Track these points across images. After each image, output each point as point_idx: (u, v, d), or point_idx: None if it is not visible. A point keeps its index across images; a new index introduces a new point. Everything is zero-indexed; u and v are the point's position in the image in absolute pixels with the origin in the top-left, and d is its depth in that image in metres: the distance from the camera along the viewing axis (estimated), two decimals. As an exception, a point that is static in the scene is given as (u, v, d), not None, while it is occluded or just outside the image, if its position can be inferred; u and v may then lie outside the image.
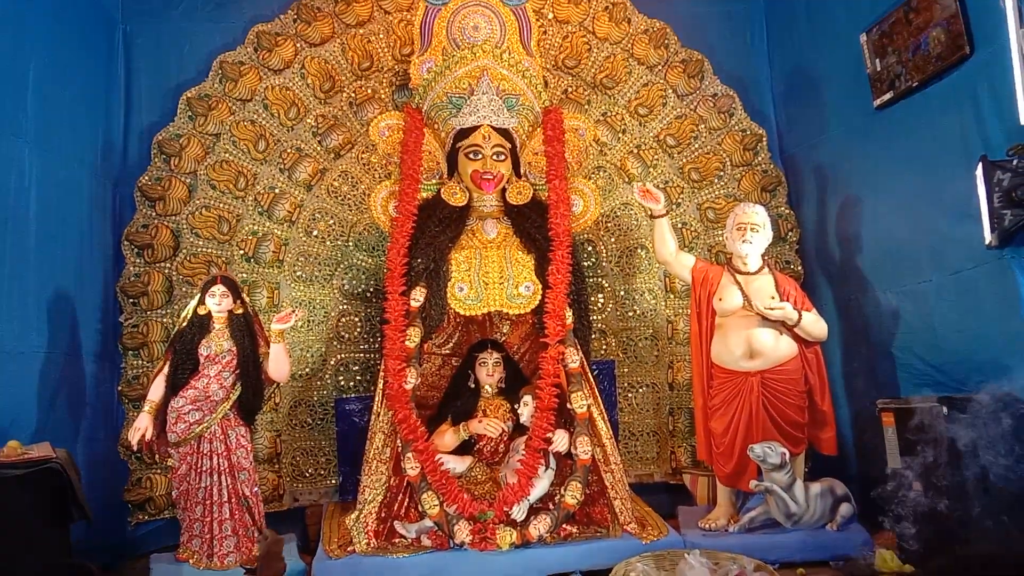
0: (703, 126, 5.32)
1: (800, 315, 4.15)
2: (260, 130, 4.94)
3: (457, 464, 4.05)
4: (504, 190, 4.54)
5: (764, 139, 5.34)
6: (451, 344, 4.75)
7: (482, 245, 4.38)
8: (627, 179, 5.26)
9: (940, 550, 3.30)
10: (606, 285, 5.22)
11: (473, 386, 4.33)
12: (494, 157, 4.44)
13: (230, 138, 4.88)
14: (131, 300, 4.65)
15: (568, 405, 4.08)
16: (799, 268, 5.18)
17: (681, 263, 4.49)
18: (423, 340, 4.22)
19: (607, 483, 4.10)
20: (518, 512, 3.85)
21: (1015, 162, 3.30)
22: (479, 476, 4.09)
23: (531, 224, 4.42)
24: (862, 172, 4.63)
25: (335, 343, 4.97)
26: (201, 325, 3.97)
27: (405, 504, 4.06)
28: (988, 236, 3.43)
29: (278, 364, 4.03)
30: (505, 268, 4.28)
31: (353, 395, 4.92)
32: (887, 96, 4.31)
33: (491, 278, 4.25)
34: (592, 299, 5.08)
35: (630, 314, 5.21)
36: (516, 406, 4.19)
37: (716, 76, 5.36)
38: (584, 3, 5.26)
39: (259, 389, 4.02)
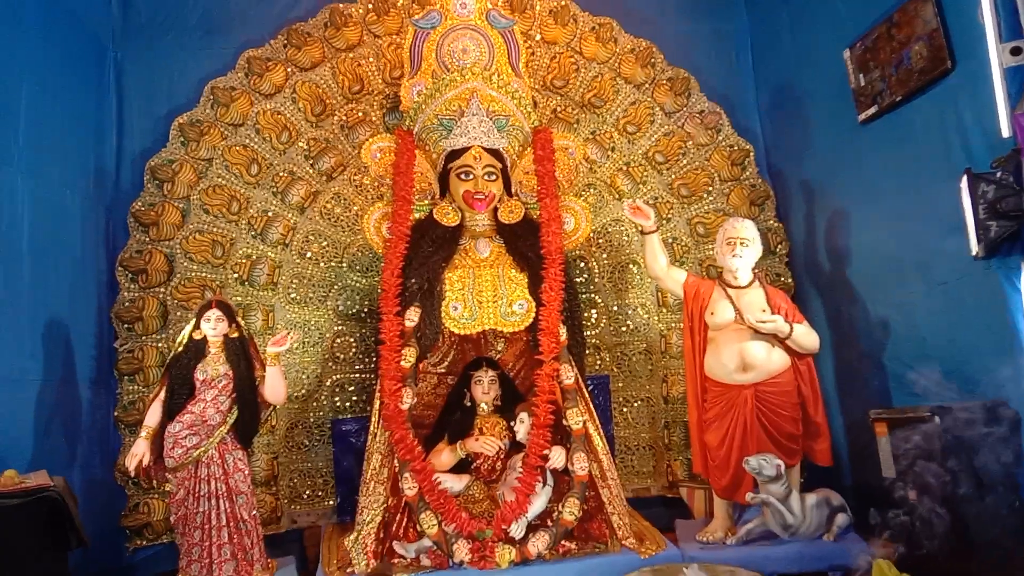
0: (691, 142, 5.38)
1: (791, 327, 4.19)
2: (252, 154, 4.97)
3: (454, 483, 4.05)
4: (496, 209, 4.57)
5: (751, 154, 5.41)
6: (446, 363, 4.77)
7: (475, 264, 4.40)
8: (617, 196, 5.31)
9: (938, 560, 3.33)
10: (599, 301, 5.26)
11: (469, 404, 4.34)
12: (485, 177, 4.48)
13: (222, 163, 4.92)
14: (126, 326, 4.66)
15: (564, 421, 4.10)
16: (789, 281, 5.23)
17: (672, 278, 4.53)
18: (418, 360, 4.23)
19: (604, 498, 4.11)
20: (516, 529, 3.85)
21: (999, 174, 3.35)
22: (477, 494, 4.09)
23: (523, 242, 4.46)
24: (849, 185, 4.70)
25: (330, 364, 4.99)
26: (197, 350, 3.98)
27: (404, 524, 4.05)
28: (974, 247, 3.48)
29: (274, 387, 4.03)
30: (499, 286, 4.31)
31: (349, 416, 4.93)
32: (871, 111, 4.37)
33: (485, 297, 4.27)
34: (585, 315, 5.12)
35: (623, 329, 5.25)
36: (512, 424, 4.20)
37: (703, 93, 5.45)
38: (571, 24, 5.35)
39: (256, 412, 4.02)
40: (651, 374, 5.21)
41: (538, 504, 3.96)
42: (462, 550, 3.79)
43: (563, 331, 4.25)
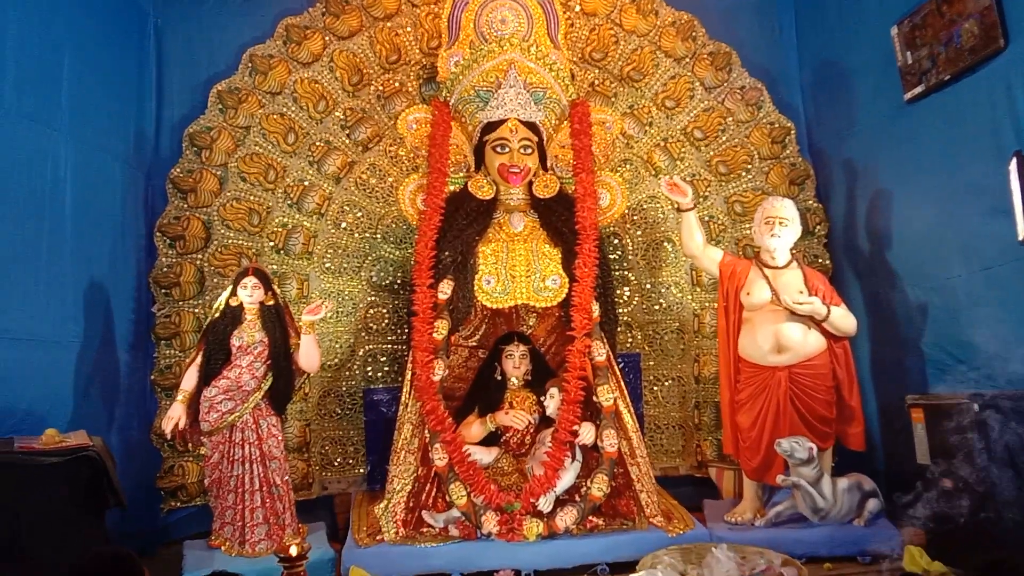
0: (731, 119, 5.29)
1: (829, 309, 4.14)
2: (289, 123, 4.98)
3: (484, 455, 4.08)
4: (531, 183, 4.55)
5: (792, 132, 5.31)
6: (478, 336, 4.78)
7: (509, 238, 4.40)
8: (654, 172, 5.25)
9: (972, 548, 3.29)
10: (632, 278, 5.22)
11: (500, 378, 4.36)
12: (521, 150, 4.45)
13: (260, 131, 4.93)
14: (163, 291, 4.72)
15: (594, 398, 4.10)
16: (827, 262, 5.15)
17: (709, 257, 4.49)
18: (450, 332, 4.25)
19: (633, 476, 4.12)
20: (544, 503, 3.88)
21: (1050, 157, 3.27)
22: (506, 467, 4.12)
23: (558, 217, 4.44)
24: (892, 166, 4.60)
25: (363, 334, 5.02)
26: (233, 316, 4.03)
27: (433, 494, 4.11)
28: (1021, 232, 3.40)
29: (308, 355, 4.07)
30: (532, 261, 4.30)
31: (381, 386, 4.96)
32: (918, 89, 4.27)
33: (518, 271, 4.27)
34: (618, 292, 5.09)
35: (656, 307, 5.21)
36: (542, 398, 4.22)
37: (744, 68, 5.33)
38: (612, -5, 5.26)
39: (290, 379, 4.07)
40: (683, 353, 5.17)
41: (566, 479, 3.97)
42: (490, 522, 3.82)
43: (595, 308, 4.23)
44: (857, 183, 4.94)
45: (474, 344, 4.78)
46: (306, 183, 4.99)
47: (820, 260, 5.14)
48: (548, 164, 4.67)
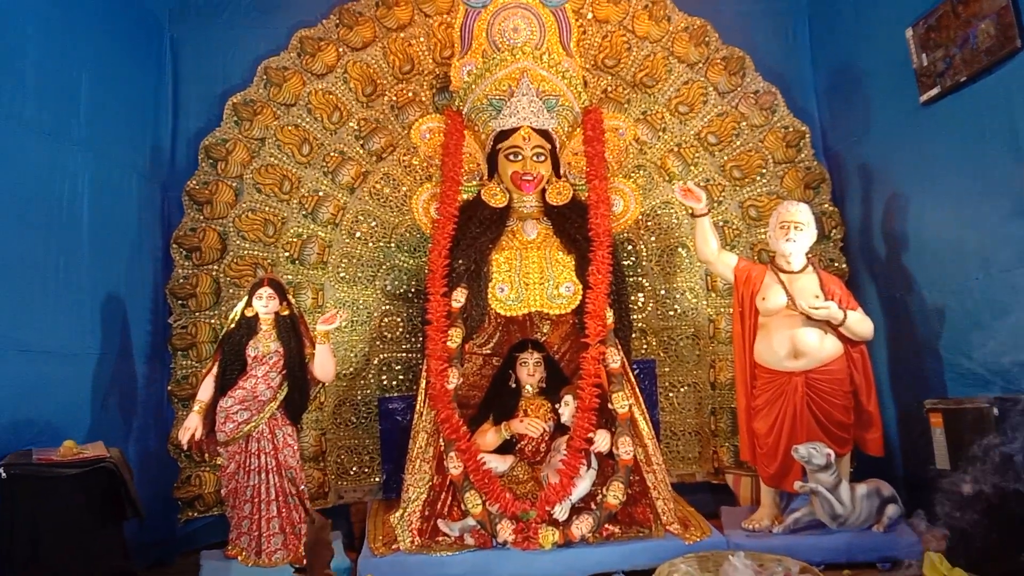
0: (745, 123, 5.27)
1: (845, 314, 4.10)
2: (304, 134, 5.02)
3: (499, 463, 4.07)
4: (544, 191, 4.55)
5: (807, 136, 5.28)
6: (492, 344, 4.78)
7: (522, 246, 4.40)
8: (668, 178, 5.24)
9: (992, 555, 3.25)
10: (647, 284, 5.20)
11: (514, 386, 4.34)
12: (534, 158, 4.46)
13: (275, 142, 4.97)
14: (180, 302, 4.76)
15: (609, 405, 4.08)
16: (843, 266, 5.11)
17: (723, 262, 4.46)
18: (464, 340, 4.26)
19: (649, 483, 4.09)
20: (560, 512, 3.86)
21: (1068, 158, 3.23)
22: (521, 475, 4.11)
23: (571, 224, 4.43)
24: (908, 169, 4.56)
25: (378, 343, 5.03)
26: (249, 326, 4.05)
27: (448, 503, 4.09)
28: (1040, 234, 3.37)
29: (323, 364, 4.09)
30: (545, 268, 4.29)
31: (396, 394, 4.97)
32: (934, 91, 4.23)
33: (532, 279, 4.27)
34: (633, 298, 5.08)
35: (671, 313, 5.19)
36: (557, 406, 4.20)
37: (758, 73, 5.32)
38: (623, 2, 5.27)
39: (305, 389, 4.09)
40: (698, 359, 5.15)
41: (582, 487, 3.95)
42: (506, 530, 3.81)
43: (610, 314, 4.22)
44: (873, 186, 4.90)
45: (488, 352, 4.77)
46: (321, 193, 5.02)
47: (836, 264, 5.10)
48: (561, 171, 4.67)
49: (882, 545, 3.91)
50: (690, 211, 4.52)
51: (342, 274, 5.02)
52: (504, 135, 4.50)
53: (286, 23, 5.16)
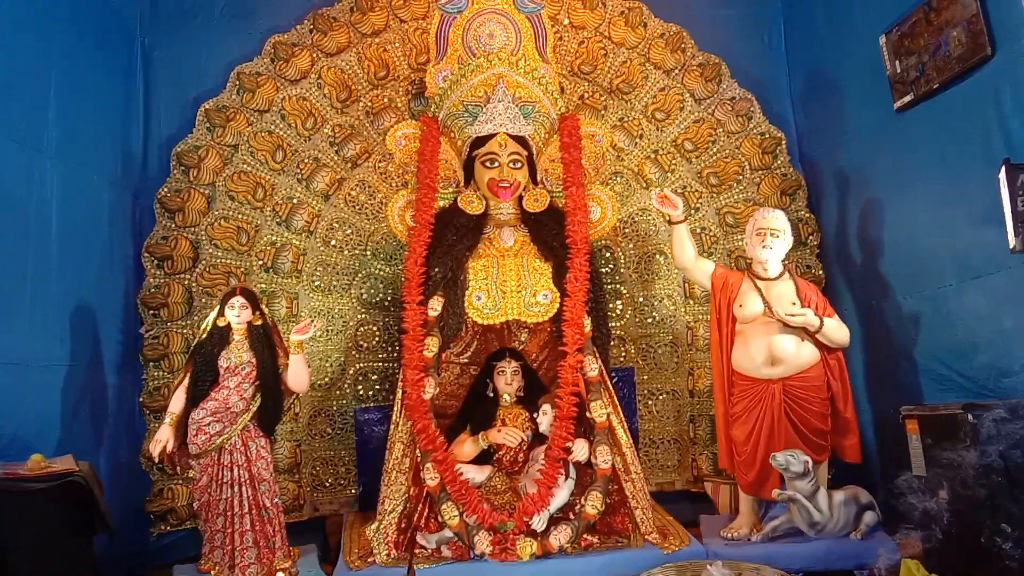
0: (721, 130, 5.28)
1: (822, 321, 4.10)
2: (278, 140, 4.96)
3: (476, 474, 4.03)
4: (521, 198, 4.53)
5: (783, 142, 5.30)
6: (469, 353, 4.74)
7: (499, 253, 4.37)
8: (645, 184, 5.23)
9: (969, 561, 3.25)
10: (624, 291, 5.19)
11: (492, 395, 4.31)
12: (510, 165, 4.43)
13: (248, 149, 4.91)
14: (151, 311, 4.68)
15: (587, 414, 4.06)
16: (820, 273, 5.13)
17: (700, 269, 4.45)
18: (441, 349, 4.22)
19: (628, 492, 4.07)
20: (538, 522, 3.82)
21: (1040, 165, 3.25)
22: (499, 486, 4.07)
23: (548, 232, 4.41)
24: (883, 175, 4.58)
25: (354, 352, 4.98)
26: (221, 337, 3.99)
27: (425, 514, 4.04)
28: (1012, 240, 3.38)
29: (297, 375, 4.03)
30: (523, 276, 4.27)
31: (372, 405, 4.92)
32: (908, 98, 4.25)
33: (509, 286, 4.24)
34: (611, 306, 5.06)
35: (649, 320, 5.18)
36: (535, 415, 4.17)
37: (734, 80, 5.33)
38: (600, 8, 5.26)
39: (278, 400, 4.02)
40: (677, 367, 5.14)
41: (560, 497, 3.92)
42: (483, 542, 3.77)
43: (587, 322, 4.20)
44: (849, 193, 4.92)
45: (465, 361, 4.73)
46: (295, 201, 4.97)
47: (813, 271, 5.12)
48: (538, 178, 4.65)
49: (860, 552, 3.91)
50: (667, 218, 4.51)
51: (317, 283, 4.96)
52: (480, 142, 4.48)
53: (260, 28, 5.10)
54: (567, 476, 3.96)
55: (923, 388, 4.24)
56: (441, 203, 4.51)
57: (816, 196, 5.28)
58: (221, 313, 4.01)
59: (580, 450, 3.97)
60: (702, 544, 4.05)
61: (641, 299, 5.18)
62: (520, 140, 4.49)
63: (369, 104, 5.13)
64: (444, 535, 3.88)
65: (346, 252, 5.02)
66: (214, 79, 5.02)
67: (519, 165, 4.47)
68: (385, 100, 5.15)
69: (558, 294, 4.21)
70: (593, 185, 4.72)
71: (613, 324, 5.03)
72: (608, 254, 5.19)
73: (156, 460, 3.97)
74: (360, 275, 5.03)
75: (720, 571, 3.39)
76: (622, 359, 5.13)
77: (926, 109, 4.17)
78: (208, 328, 4.03)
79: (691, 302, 5.17)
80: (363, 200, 5.06)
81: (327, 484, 4.85)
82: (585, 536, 3.93)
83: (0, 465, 3.34)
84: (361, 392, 4.96)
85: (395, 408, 4.20)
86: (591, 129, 4.75)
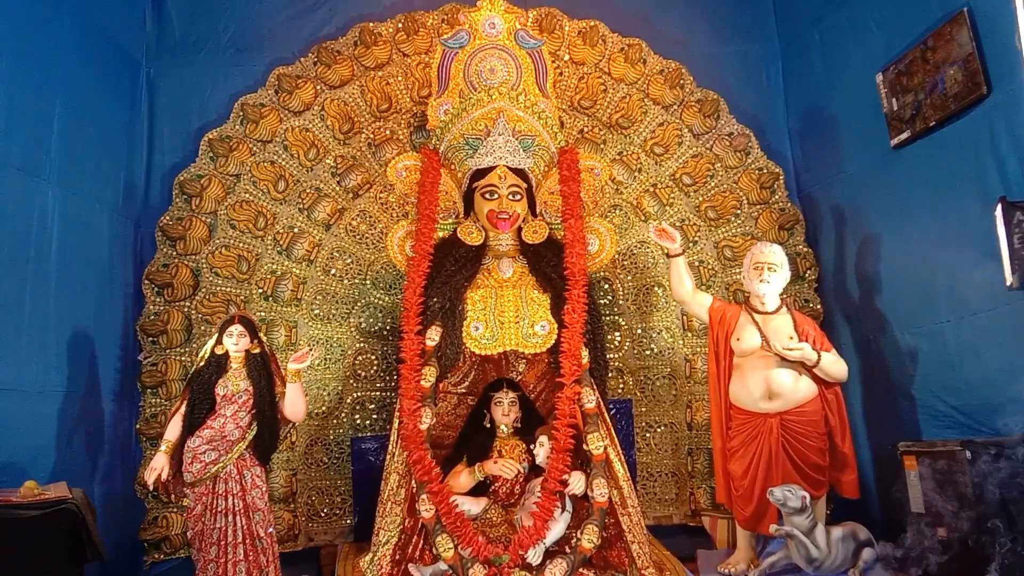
0: (719, 164, 5.33)
1: (819, 355, 4.10)
2: (280, 171, 5.01)
3: (472, 506, 4.00)
4: (520, 229, 4.55)
5: (781, 177, 5.34)
6: (467, 383, 4.73)
7: (498, 284, 4.38)
8: (643, 217, 5.26)
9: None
10: (623, 323, 5.20)
11: (489, 426, 4.29)
12: (510, 197, 4.46)
13: (250, 178, 4.96)
14: (150, 338, 4.69)
15: (584, 446, 4.04)
16: (818, 307, 5.14)
17: (698, 302, 4.47)
18: (439, 379, 4.21)
19: (624, 526, 4.03)
20: (534, 556, 3.78)
21: (1035, 203, 3.28)
22: (494, 518, 4.04)
23: (547, 263, 4.43)
24: (880, 211, 4.61)
25: (352, 381, 4.97)
26: (218, 365, 3.98)
27: (420, 546, 4.01)
28: (1009, 277, 3.40)
29: (294, 404, 4.02)
30: (521, 307, 4.28)
31: (369, 434, 4.91)
32: (904, 135, 4.30)
33: (507, 317, 4.25)
34: (609, 337, 5.06)
35: (647, 353, 5.18)
36: (532, 446, 4.15)
37: (732, 115, 5.39)
38: (600, 45, 5.34)
39: (275, 429, 4.01)
40: (675, 399, 5.13)
41: (556, 530, 3.88)
42: (478, 575, 3.73)
43: (585, 354, 4.19)
44: (846, 228, 4.95)
45: (463, 391, 4.72)
46: (296, 230, 5.00)
47: (811, 305, 5.13)
48: (537, 210, 4.68)
49: (858, 589, 3.88)
50: (665, 251, 4.53)
51: (316, 311, 4.98)
52: (480, 174, 4.51)
53: (264, 60, 5.19)
54: (563, 509, 3.93)
55: (921, 424, 4.23)
56: (441, 234, 4.53)
57: (814, 231, 5.30)
58: (219, 341, 4.01)
59: (577, 483, 3.95)
60: (699, 579, 4.02)
61: (639, 331, 5.19)
62: (520, 173, 4.53)
63: (371, 136, 5.18)
64: (439, 567, 3.84)
65: (346, 281, 5.04)
66: (218, 110, 5.09)
67: (518, 197, 4.50)
68: (387, 132, 5.21)
69: (556, 325, 4.21)
70: (592, 218, 4.74)
71: (611, 356, 5.03)
72: (607, 286, 5.21)
73: (151, 488, 3.94)
74: (359, 304, 5.04)
75: (716, 607, 3.36)
76: (620, 391, 5.12)
77: (923, 146, 4.21)
78: (206, 356, 4.03)
79: (689, 335, 5.17)
80: (363, 230, 5.09)
81: (323, 514, 4.82)
82: (581, 570, 3.87)
83: (-6, 491, 3.34)
84: (358, 421, 4.95)
85: (391, 438, 4.19)
86: (590, 162, 4.79)
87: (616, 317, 5.19)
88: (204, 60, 5.21)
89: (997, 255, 3.44)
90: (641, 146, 5.33)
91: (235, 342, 3.98)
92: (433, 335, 4.18)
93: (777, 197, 5.32)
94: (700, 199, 5.31)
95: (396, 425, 4.14)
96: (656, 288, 5.20)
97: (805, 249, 5.25)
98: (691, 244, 5.20)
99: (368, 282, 5.06)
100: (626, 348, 5.18)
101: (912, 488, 3.80)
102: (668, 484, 5.08)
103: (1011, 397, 3.55)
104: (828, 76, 5.15)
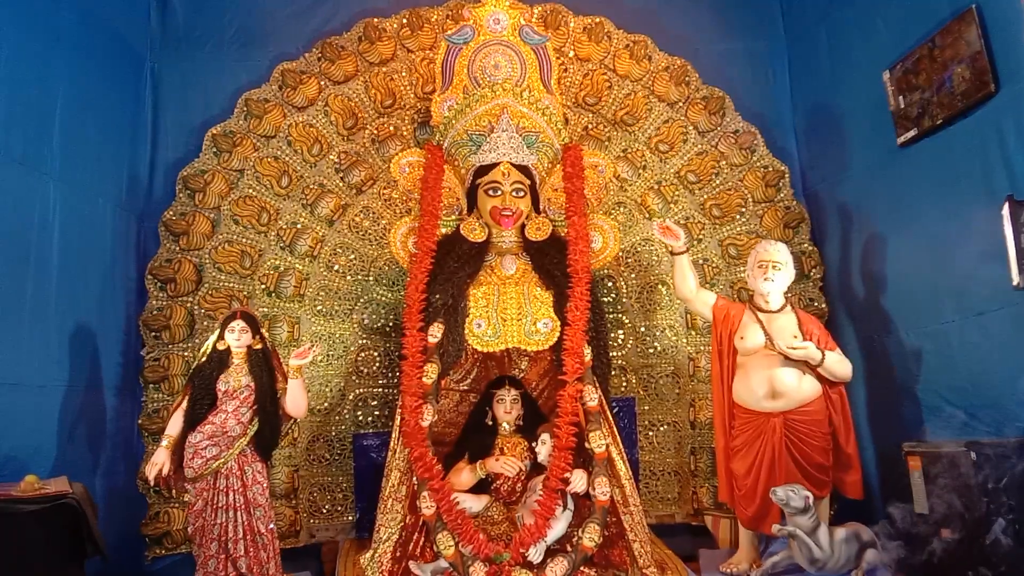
0: (724, 162, 5.30)
1: (824, 354, 4.07)
2: (283, 166, 5.00)
3: (473, 503, 3.99)
4: (523, 226, 4.54)
5: (786, 175, 5.31)
6: (469, 380, 4.72)
7: (500, 281, 4.37)
8: (648, 215, 5.24)
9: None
10: (626, 321, 5.18)
11: (491, 423, 4.28)
12: (513, 193, 4.45)
13: (254, 174, 4.95)
14: (153, 334, 4.69)
15: (586, 444, 4.02)
16: (823, 306, 5.11)
17: (702, 300, 4.44)
18: (440, 376, 4.19)
19: (626, 525, 4.01)
20: (535, 554, 3.76)
21: (1042, 202, 3.25)
22: (496, 516, 4.02)
23: (550, 260, 4.41)
24: (886, 209, 4.58)
25: (354, 378, 4.96)
26: (220, 360, 3.97)
27: (420, 543, 3.99)
28: (1015, 277, 3.37)
29: (295, 400, 4.02)
30: (523, 304, 4.26)
31: (371, 431, 4.90)
32: (911, 133, 4.26)
33: (509, 314, 4.23)
34: (612, 335, 5.04)
35: (651, 351, 5.16)
36: (534, 444, 4.14)
37: (737, 113, 5.36)
38: (605, 42, 5.31)
39: (276, 425, 4.00)
40: (678, 398, 5.11)
41: (558, 528, 3.87)
42: (478, 573, 3.70)
43: (588, 351, 4.18)
44: (852, 227, 4.92)
45: (465, 388, 4.71)
46: (299, 226, 4.99)
47: (816, 304, 5.10)
48: (541, 207, 4.66)
49: (861, 590, 3.85)
50: (669, 249, 4.50)
51: (319, 307, 4.97)
52: (484, 170, 4.50)
53: (268, 56, 5.18)
54: (565, 507, 3.91)
55: (926, 424, 4.19)
56: (443, 230, 4.52)
57: (819, 229, 5.27)
58: (221, 336, 4.01)
59: (578, 481, 3.93)
60: (700, 579, 4.00)
61: (643, 329, 5.17)
62: (523, 169, 4.51)
63: (375, 132, 5.17)
64: (439, 565, 3.83)
65: (349, 277, 5.03)
66: (222, 105, 5.09)
67: (522, 194, 4.48)
68: (391, 128, 5.19)
69: (559, 323, 4.19)
70: (595, 215, 4.72)
71: (615, 354, 5.02)
72: (610, 283, 5.19)
73: (152, 483, 3.95)
74: (362, 300, 5.03)
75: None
76: (623, 389, 5.10)
77: (929, 145, 4.18)
78: (207, 351, 4.02)
79: (693, 333, 5.15)
80: (367, 226, 5.08)
81: (324, 510, 4.81)
82: (582, 569, 3.86)
83: (-6, 486, 3.34)
84: (360, 418, 4.94)
85: (393, 435, 4.18)
86: (594, 159, 4.77)
87: (619, 315, 5.17)
88: (208, 55, 5.21)
89: (1003, 254, 3.41)
90: (646, 143, 5.31)
91: (237, 338, 3.98)
92: (435, 332, 4.17)
93: (782, 195, 5.29)
94: (705, 197, 5.28)
95: (398, 422, 4.13)
96: (660, 286, 5.18)
97: (810, 247, 5.22)
98: (695, 242, 5.18)
99: (371, 278, 5.05)
100: (629, 346, 5.16)
101: (916, 489, 3.77)
102: (671, 483, 5.06)
103: (1016, 398, 3.52)
104: (834, 74, 5.11)
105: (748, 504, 4.15)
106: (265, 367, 3.99)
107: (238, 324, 3.99)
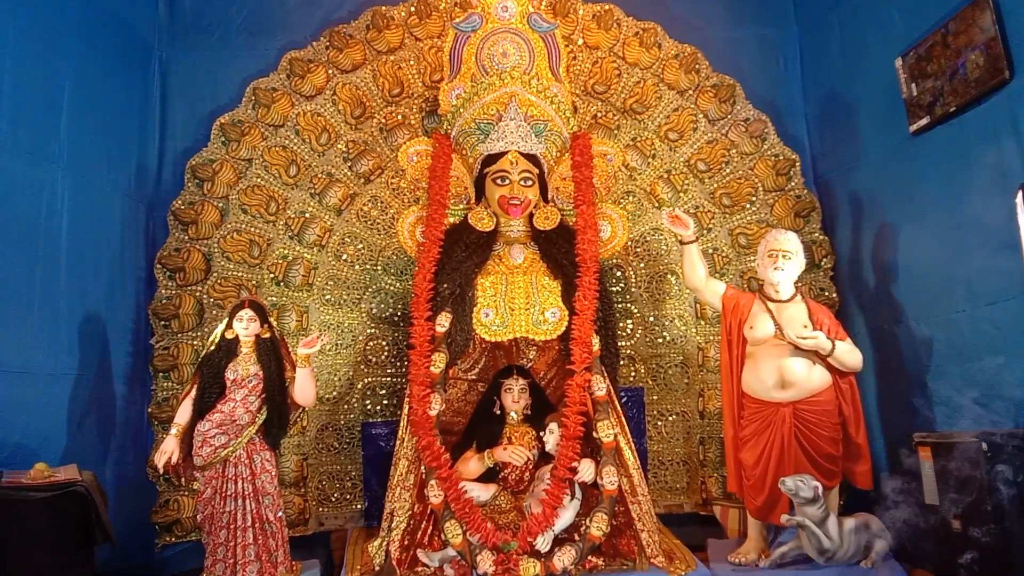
0: (735, 151, 5.25)
1: (834, 344, 4.04)
2: (291, 155, 4.99)
3: (481, 492, 3.99)
4: (531, 215, 4.52)
5: (797, 164, 5.26)
6: (477, 370, 4.72)
7: (508, 270, 4.36)
8: (657, 204, 5.21)
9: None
10: (635, 311, 5.16)
11: (499, 413, 4.28)
12: (521, 183, 4.43)
13: (262, 163, 4.94)
14: (162, 323, 4.70)
15: (594, 434, 4.02)
16: (833, 295, 5.07)
17: (711, 290, 4.42)
18: (449, 365, 4.19)
19: (634, 514, 4.01)
20: (542, 543, 3.77)
21: (1056, 190, 3.21)
22: (503, 505, 4.02)
23: (558, 250, 4.40)
24: (898, 198, 4.53)
25: (362, 367, 4.97)
26: (228, 349, 3.98)
27: (429, 532, 4.01)
28: (1029, 266, 3.33)
29: (304, 388, 4.02)
30: (531, 294, 4.25)
31: (380, 419, 4.90)
32: (923, 121, 4.22)
33: (517, 304, 4.22)
34: (621, 325, 5.03)
35: (660, 340, 5.14)
36: (542, 434, 4.13)
37: (748, 101, 5.31)
38: (614, 29, 5.26)
39: (285, 414, 4.01)
40: (687, 388, 5.09)
41: (565, 517, 3.88)
42: (486, 561, 3.72)
43: (596, 341, 4.17)
44: (863, 216, 4.88)
45: (473, 377, 4.71)
46: (307, 215, 4.98)
47: (826, 293, 5.06)
48: (549, 196, 4.64)
49: (870, 581, 3.84)
50: (678, 238, 4.48)
51: (327, 296, 4.97)
52: (492, 159, 4.48)
53: (276, 45, 5.16)
54: (572, 496, 3.91)
55: (936, 414, 4.16)
56: (451, 219, 4.51)
57: (830, 218, 5.23)
58: (229, 325, 4.01)
59: (586, 470, 3.93)
60: (709, 569, 3.99)
61: (652, 319, 5.15)
62: (531, 158, 4.49)
63: (383, 121, 5.15)
64: (447, 554, 3.84)
65: (357, 267, 5.02)
66: (230, 94, 5.08)
67: (530, 183, 4.47)
68: (399, 117, 5.17)
69: (567, 312, 4.18)
70: (604, 204, 4.70)
71: (623, 344, 5.00)
72: (619, 273, 5.16)
73: (161, 471, 3.96)
74: (370, 290, 5.03)
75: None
76: (632, 379, 5.09)
77: (942, 132, 4.13)
78: (216, 340, 4.03)
79: (702, 323, 5.13)
80: (375, 215, 5.07)
81: (333, 499, 4.83)
82: (590, 558, 3.88)
83: (4, 473, 3.36)
84: (369, 407, 4.94)
85: (401, 424, 4.18)
86: (603, 148, 4.74)
87: (628, 304, 5.15)
88: (216, 44, 5.20)
89: (1016, 244, 3.36)
90: (655, 132, 5.27)
91: (245, 326, 3.98)
92: (443, 321, 4.16)
93: (793, 184, 5.24)
94: (715, 186, 5.24)
95: (406, 411, 4.13)
96: (669, 275, 5.15)
97: (821, 237, 5.18)
98: (705, 231, 5.14)
99: (379, 268, 5.05)
100: (638, 336, 5.14)
101: (926, 480, 3.75)
102: (679, 473, 5.05)
103: (1029, 389, 3.50)
104: (846, 61, 5.06)
105: (757, 494, 4.13)
106: (273, 356, 4.00)
107: (247, 313, 4.00)
